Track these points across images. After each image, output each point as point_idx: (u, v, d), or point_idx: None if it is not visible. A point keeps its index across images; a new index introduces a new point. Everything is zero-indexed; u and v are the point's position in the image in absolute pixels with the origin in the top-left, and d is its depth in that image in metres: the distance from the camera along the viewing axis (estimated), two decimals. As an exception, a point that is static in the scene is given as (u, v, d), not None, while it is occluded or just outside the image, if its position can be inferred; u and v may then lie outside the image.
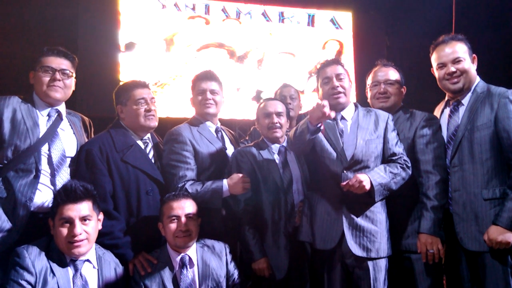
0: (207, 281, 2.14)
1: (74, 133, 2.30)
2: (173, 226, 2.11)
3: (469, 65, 2.24)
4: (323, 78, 2.30)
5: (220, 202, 2.29)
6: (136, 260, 2.12)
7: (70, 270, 1.91)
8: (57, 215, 1.90)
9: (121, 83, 2.67)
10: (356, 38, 5.52)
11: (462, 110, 2.25)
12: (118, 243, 2.11)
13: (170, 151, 2.37)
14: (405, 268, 2.26)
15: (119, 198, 2.19)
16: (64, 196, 1.90)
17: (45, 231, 1.97)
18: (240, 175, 2.28)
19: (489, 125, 2.12)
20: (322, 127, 2.10)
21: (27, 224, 2.04)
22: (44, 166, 2.12)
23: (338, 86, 2.25)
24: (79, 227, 1.89)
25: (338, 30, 5.50)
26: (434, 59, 2.32)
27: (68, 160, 2.21)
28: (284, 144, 2.46)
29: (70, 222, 1.89)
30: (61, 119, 2.26)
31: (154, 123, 2.34)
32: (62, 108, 2.30)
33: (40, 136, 2.14)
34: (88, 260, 1.96)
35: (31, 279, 1.81)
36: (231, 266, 2.24)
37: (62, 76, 2.23)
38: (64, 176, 2.16)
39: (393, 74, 2.50)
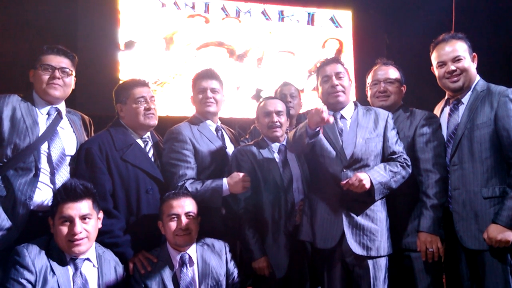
0: (207, 280, 2.14)
1: (74, 132, 2.29)
2: (173, 224, 2.11)
3: (469, 63, 2.24)
4: (322, 77, 2.30)
5: (220, 201, 2.29)
6: (136, 258, 2.12)
7: (70, 268, 1.91)
8: (57, 214, 1.90)
9: (120, 82, 2.67)
10: (355, 36, 5.52)
11: (462, 108, 2.25)
12: (118, 241, 2.11)
13: (170, 150, 2.36)
14: (405, 267, 2.26)
15: (119, 197, 2.19)
16: (64, 194, 1.90)
17: (45, 229, 1.97)
18: (240, 174, 2.27)
19: (489, 123, 2.12)
20: (321, 131, 2.10)
21: (27, 223, 2.04)
22: (44, 165, 2.12)
23: (337, 85, 2.25)
24: (79, 226, 1.88)
25: (338, 28, 5.50)
26: (434, 58, 2.32)
27: (68, 158, 2.20)
28: (284, 143, 2.46)
29: (70, 220, 1.89)
30: (61, 118, 2.26)
31: (154, 122, 2.34)
32: (61, 106, 2.29)
33: (40, 134, 2.13)
34: (88, 259, 1.96)
35: (31, 278, 1.81)
36: (231, 265, 2.24)
37: (62, 74, 2.23)
38: (63, 175, 2.16)
39: (393, 73, 2.50)
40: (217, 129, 2.55)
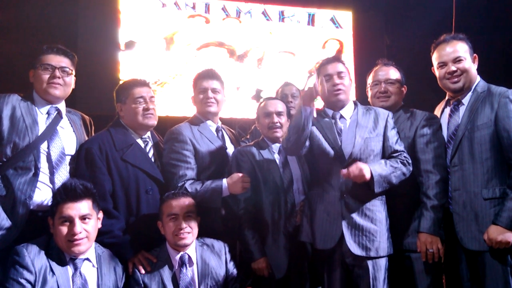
0: (206, 280, 2.14)
1: (73, 131, 2.29)
2: (172, 224, 2.11)
3: (470, 64, 2.24)
4: (324, 76, 2.27)
5: (220, 202, 2.29)
6: (136, 258, 2.11)
7: (69, 268, 1.91)
8: (56, 214, 1.90)
9: (121, 82, 2.66)
10: (356, 37, 5.51)
11: (462, 109, 2.24)
12: (117, 241, 2.11)
13: (170, 150, 2.36)
14: (405, 267, 2.26)
15: (119, 197, 2.18)
16: (64, 194, 1.90)
17: (44, 229, 1.96)
18: (240, 174, 2.27)
19: (489, 124, 2.12)
20: (314, 109, 2.12)
21: (27, 223, 2.04)
22: (43, 164, 2.11)
23: (339, 84, 2.25)
24: (78, 226, 1.88)
25: (338, 29, 5.50)
26: (435, 58, 2.32)
27: (68, 158, 2.20)
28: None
29: (70, 220, 1.88)
30: (61, 117, 2.26)
31: (153, 122, 2.34)
32: (61, 106, 2.29)
33: (39, 133, 2.13)
34: (87, 259, 1.96)
35: (31, 278, 1.81)
36: (231, 265, 2.24)
37: (62, 73, 2.22)
38: (63, 174, 2.15)
39: (394, 74, 2.50)
40: (217, 130, 2.54)
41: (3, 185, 2.05)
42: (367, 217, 2.16)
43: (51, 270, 1.85)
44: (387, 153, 2.24)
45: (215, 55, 5.04)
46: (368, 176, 2.06)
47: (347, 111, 2.30)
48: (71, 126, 2.31)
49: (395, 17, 5.47)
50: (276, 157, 2.42)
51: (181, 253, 2.14)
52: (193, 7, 5.01)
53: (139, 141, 2.34)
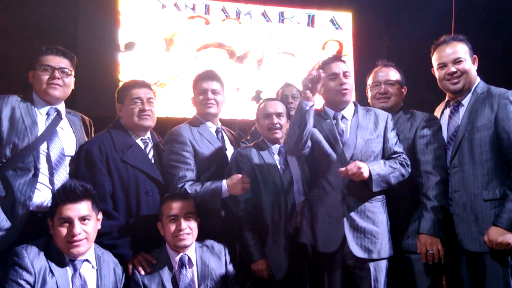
0: (206, 281, 2.14)
1: (73, 132, 2.29)
2: (172, 226, 2.11)
3: (470, 65, 2.24)
4: (329, 75, 2.24)
5: (219, 203, 2.28)
6: (135, 260, 2.11)
7: (69, 269, 1.90)
8: (56, 215, 1.90)
9: (121, 83, 2.66)
10: (355, 38, 5.51)
11: (462, 110, 2.24)
12: (117, 243, 2.11)
13: (170, 151, 2.36)
14: (405, 269, 2.25)
15: (119, 198, 2.18)
16: (63, 195, 1.90)
17: (44, 230, 1.96)
18: (240, 175, 2.27)
19: (489, 125, 2.12)
20: (313, 103, 2.08)
21: (26, 224, 2.03)
22: (43, 165, 2.11)
23: (346, 83, 2.23)
24: (78, 227, 1.88)
25: (338, 30, 5.50)
26: (435, 59, 2.32)
27: (67, 159, 2.20)
28: (285, 145, 2.46)
29: (69, 222, 1.88)
30: (60, 118, 2.25)
31: (149, 123, 2.33)
32: (61, 107, 2.29)
33: (39, 134, 2.13)
34: (87, 260, 1.96)
35: (30, 279, 1.81)
36: (230, 267, 2.23)
37: (61, 74, 2.22)
38: (62, 175, 2.15)
39: (394, 75, 2.50)
40: (217, 131, 2.54)
41: (2, 186, 2.04)
42: (369, 219, 2.15)
43: (51, 271, 1.85)
44: (386, 155, 2.24)
45: (215, 56, 5.04)
46: (366, 174, 2.06)
47: (348, 111, 2.30)
48: (71, 127, 2.31)
49: (395, 18, 5.47)
50: (276, 158, 2.42)
51: (181, 254, 2.13)
52: (193, 8, 5.02)
53: (139, 142, 2.34)
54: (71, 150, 2.23)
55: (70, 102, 2.40)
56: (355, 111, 2.31)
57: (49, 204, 2.02)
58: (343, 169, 2.06)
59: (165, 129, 2.52)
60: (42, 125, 2.18)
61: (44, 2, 4.31)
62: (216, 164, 2.42)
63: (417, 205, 2.24)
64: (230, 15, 5.15)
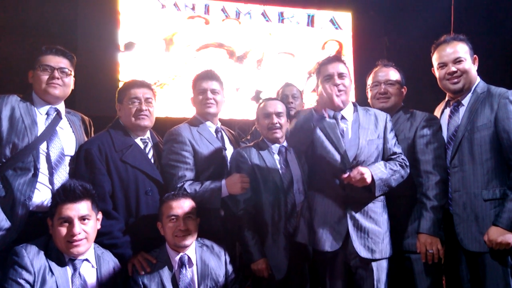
0: (206, 281, 2.14)
1: (73, 132, 2.29)
2: (172, 225, 2.11)
3: (470, 65, 2.24)
4: (324, 76, 2.26)
5: (219, 202, 2.28)
6: (135, 259, 2.11)
7: (68, 269, 1.90)
8: (56, 215, 1.90)
9: (120, 83, 2.66)
10: (355, 38, 5.51)
11: (462, 110, 2.24)
12: (117, 242, 2.11)
13: (169, 151, 2.36)
14: (405, 268, 2.25)
15: (118, 198, 2.18)
16: (63, 195, 1.90)
17: (43, 230, 1.96)
18: (239, 175, 2.27)
19: (489, 125, 2.12)
20: (326, 115, 2.08)
21: (26, 224, 2.03)
22: (43, 165, 2.11)
23: (339, 85, 2.23)
24: (78, 227, 1.88)
25: (337, 30, 5.50)
26: (435, 59, 2.32)
27: (67, 158, 2.20)
28: (285, 144, 2.45)
29: (69, 221, 1.88)
30: (60, 118, 2.25)
31: (146, 123, 2.33)
32: (61, 107, 2.29)
33: (39, 134, 2.13)
34: (87, 260, 1.96)
35: (30, 278, 1.81)
36: (230, 266, 2.23)
37: (61, 74, 2.23)
38: (62, 175, 2.15)
39: (394, 75, 2.49)
40: (216, 131, 2.54)
41: (2, 186, 2.04)
42: (372, 219, 2.15)
43: (50, 270, 1.85)
44: (386, 155, 2.23)
45: (215, 56, 5.04)
46: (369, 180, 2.06)
47: (348, 112, 2.30)
48: (71, 126, 2.31)
49: (395, 18, 5.47)
50: (276, 157, 2.42)
51: (181, 254, 2.13)
52: (193, 8, 5.01)
53: (139, 142, 2.34)
54: (70, 150, 2.23)
55: (70, 102, 2.40)
56: (355, 111, 2.31)
57: (49, 204, 2.02)
58: (346, 175, 2.06)
59: (165, 129, 2.52)
60: (41, 125, 2.18)
61: (44, 2, 4.31)
62: (215, 164, 2.42)
63: (417, 205, 2.23)
64: (230, 15, 5.15)
